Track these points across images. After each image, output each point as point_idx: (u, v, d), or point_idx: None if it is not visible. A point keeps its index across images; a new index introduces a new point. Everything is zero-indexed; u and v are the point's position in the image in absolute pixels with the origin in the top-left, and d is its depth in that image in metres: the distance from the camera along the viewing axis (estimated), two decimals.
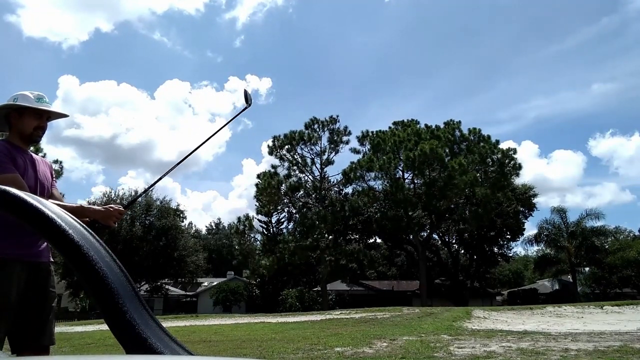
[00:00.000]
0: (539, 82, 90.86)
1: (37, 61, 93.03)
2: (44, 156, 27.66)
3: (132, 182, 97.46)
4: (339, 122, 33.08)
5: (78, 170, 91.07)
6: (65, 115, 2.48)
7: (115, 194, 35.21)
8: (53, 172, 2.52)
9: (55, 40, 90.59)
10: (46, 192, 2.31)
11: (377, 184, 33.06)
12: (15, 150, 2.24)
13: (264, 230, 35.89)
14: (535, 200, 39.47)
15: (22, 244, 2.08)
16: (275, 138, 32.93)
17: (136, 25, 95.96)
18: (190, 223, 58.04)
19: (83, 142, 78.54)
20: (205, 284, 42.09)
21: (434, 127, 32.99)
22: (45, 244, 2.22)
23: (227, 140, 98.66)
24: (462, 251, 42.80)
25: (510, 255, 43.06)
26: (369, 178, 32.50)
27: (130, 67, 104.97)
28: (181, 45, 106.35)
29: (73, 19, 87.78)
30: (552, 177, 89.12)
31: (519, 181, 36.80)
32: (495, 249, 40.93)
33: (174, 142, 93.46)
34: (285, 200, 33.21)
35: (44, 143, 41.04)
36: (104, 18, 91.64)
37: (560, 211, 37.04)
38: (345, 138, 33.12)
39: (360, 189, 33.25)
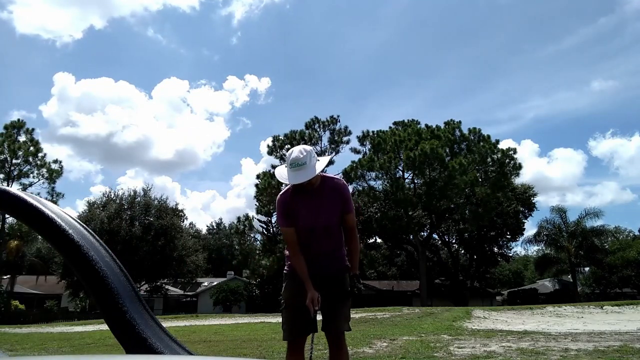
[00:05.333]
0: (537, 82, 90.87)
1: (32, 59, 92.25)
2: (43, 156, 26.65)
3: (130, 181, 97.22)
4: (339, 122, 33.13)
5: (76, 170, 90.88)
6: (313, 177, 2.63)
7: (114, 194, 35.21)
8: (346, 196, 2.80)
9: (49, 38, 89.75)
10: (324, 224, 2.72)
11: (378, 184, 33.12)
12: (296, 194, 2.71)
13: (264, 230, 35.86)
14: (535, 199, 39.50)
15: (313, 266, 2.70)
16: (275, 138, 32.96)
17: (130, 22, 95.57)
18: (191, 223, 58.07)
19: (79, 141, 77.86)
20: (205, 284, 42.05)
21: (434, 127, 33.00)
22: (334, 263, 2.79)
23: (226, 140, 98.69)
24: (462, 251, 42.79)
25: (510, 255, 43.03)
26: (370, 178, 32.57)
27: (126, 64, 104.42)
28: (177, 43, 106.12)
29: (66, 16, 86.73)
30: (552, 176, 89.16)
31: (518, 181, 36.86)
32: (495, 249, 40.89)
33: (171, 141, 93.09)
34: None
35: (42, 143, 40.54)
36: (98, 15, 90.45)
37: (560, 211, 37.04)
38: (345, 138, 33.17)
39: (361, 189, 33.27)
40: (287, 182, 2.63)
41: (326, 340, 2.82)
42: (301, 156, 2.57)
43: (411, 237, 35.22)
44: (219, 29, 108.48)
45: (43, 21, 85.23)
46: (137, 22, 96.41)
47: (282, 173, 2.68)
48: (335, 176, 2.93)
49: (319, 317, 2.73)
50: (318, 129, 32.73)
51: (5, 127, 30.56)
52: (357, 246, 2.87)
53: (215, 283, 39.99)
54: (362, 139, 33.93)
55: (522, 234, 39.01)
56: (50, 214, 1.81)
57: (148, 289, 35.26)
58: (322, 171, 2.71)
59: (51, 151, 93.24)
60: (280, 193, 2.80)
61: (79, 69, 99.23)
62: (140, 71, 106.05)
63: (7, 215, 28.28)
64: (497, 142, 32.54)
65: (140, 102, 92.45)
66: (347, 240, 2.86)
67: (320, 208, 2.71)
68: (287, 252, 2.82)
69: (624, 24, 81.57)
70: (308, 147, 2.68)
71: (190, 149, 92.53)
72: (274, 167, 32.24)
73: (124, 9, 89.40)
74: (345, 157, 63.62)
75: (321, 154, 32.47)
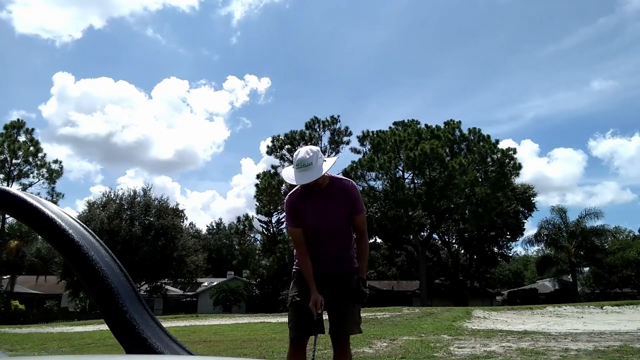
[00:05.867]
0: (537, 82, 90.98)
1: (31, 59, 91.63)
2: (43, 156, 26.55)
3: (130, 182, 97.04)
4: (339, 122, 33.13)
5: (76, 170, 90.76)
6: (319, 177, 2.60)
7: (114, 194, 35.20)
8: (353, 197, 2.75)
9: (49, 38, 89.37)
10: (330, 224, 2.70)
11: (378, 184, 33.11)
12: (303, 195, 2.72)
13: (264, 230, 35.88)
14: (535, 199, 39.53)
15: (318, 265, 2.70)
16: (275, 138, 32.96)
17: (130, 22, 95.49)
18: (191, 223, 58.09)
19: (79, 141, 77.49)
20: (205, 284, 42.06)
21: (434, 127, 32.99)
22: (340, 264, 2.77)
23: (226, 140, 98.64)
24: (462, 251, 42.80)
25: (510, 255, 43.05)
26: (370, 178, 32.56)
27: (126, 64, 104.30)
28: (177, 42, 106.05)
29: (65, 16, 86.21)
30: (553, 176, 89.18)
31: (518, 181, 36.85)
32: (495, 249, 40.91)
33: (171, 141, 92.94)
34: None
35: (42, 143, 40.41)
36: (97, 14, 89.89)
37: (560, 211, 37.05)
38: (345, 138, 33.13)
39: (361, 189, 33.18)
40: (294, 183, 2.63)
41: (330, 341, 2.79)
42: (307, 157, 2.57)
43: (411, 237, 35.21)
44: (219, 29, 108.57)
45: (42, 21, 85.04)
46: (136, 22, 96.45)
47: (289, 174, 2.68)
48: (344, 177, 2.91)
49: (325, 317, 2.70)
50: (318, 129, 32.72)
51: (5, 127, 30.54)
52: (365, 249, 2.83)
53: (215, 283, 40.00)
54: (362, 139, 33.93)
55: (522, 234, 39.08)
56: (50, 214, 1.81)
57: (148, 289, 35.27)
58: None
59: (51, 151, 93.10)
60: (289, 194, 2.81)
61: (78, 68, 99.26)
62: (140, 71, 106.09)
63: (7, 215, 28.27)
64: (497, 142, 32.56)
65: (140, 102, 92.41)
66: (356, 242, 2.84)
67: (326, 209, 2.71)
68: (295, 251, 2.83)
69: (624, 24, 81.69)
70: (314, 148, 2.67)
71: (190, 149, 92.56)
72: (274, 167, 32.24)
73: (123, 9, 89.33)
74: (345, 157, 63.43)
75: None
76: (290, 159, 32.39)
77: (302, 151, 2.62)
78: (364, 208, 2.85)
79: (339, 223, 2.76)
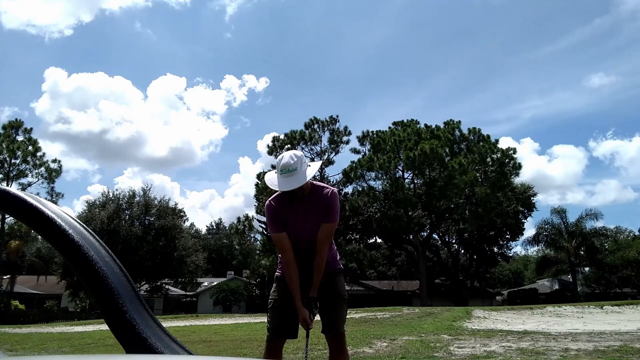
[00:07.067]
0: (534, 83, 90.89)
1: (21, 55, 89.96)
2: (42, 155, 26.51)
3: (129, 181, 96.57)
4: (339, 122, 33.17)
5: (72, 170, 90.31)
6: (304, 183, 2.55)
7: (112, 194, 35.16)
8: (329, 205, 2.65)
9: (38, 33, 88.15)
10: (310, 231, 2.63)
11: (377, 184, 33.14)
12: (284, 202, 2.66)
13: (264, 230, 35.87)
14: (535, 198, 39.54)
15: (303, 270, 2.64)
16: (275, 138, 32.99)
17: (123, 17, 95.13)
18: (192, 224, 58.15)
19: (72, 138, 76.09)
20: (205, 284, 42.06)
21: (433, 126, 33.01)
22: (326, 266, 2.67)
23: (224, 138, 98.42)
24: (462, 251, 42.79)
25: (510, 255, 43.06)
26: (369, 177, 32.59)
27: (120, 61, 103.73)
28: (173, 40, 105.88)
29: (56, 10, 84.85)
30: (553, 175, 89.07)
31: (518, 180, 36.87)
32: (495, 249, 40.91)
33: (167, 139, 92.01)
34: None
35: (40, 143, 40.41)
36: (87, 9, 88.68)
37: (560, 212, 37.07)
38: (345, 138, 33.16)
39: (361, 189, 33.26)
40: (277, 189, 2.56)
41: (326, 341, 2.81)
42: (292, 162, 2.49)
43: (411, 237, 35.21)
44: (218, 27, 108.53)
45: (32, 16, 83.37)
46: (129, 17, 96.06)
47: (272, 179, 2.61)
48: (327, 185, 2.83)
49: (317, 318, 2.71)
50: (318, 129, 32.74)
51: (4, 127, 30.50)
52: (320, 262, 2.62)
53: (215, 283, 40.00)
54: (361, 139, 33.98)
55: (522, 234, 39.07)
56: (50, 214, 1.81)
57: (148, 289, 35.26)
58: (314, 177, 2.65)
59: (44, 148, 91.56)
60: (269, 199, 2.74)
61: (70, 64, 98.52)
62: (136, 68, 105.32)
63: (7, 215, 28.25)
64: (497, 141, 32.63)
65: (135, 98, 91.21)
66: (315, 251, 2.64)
67: (306, 219, 2.65)
68: (280, 256, 2.77)
69: (619, 24, 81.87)
70: (299, 153, 2.60)
71: (188, 148, 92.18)
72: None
73: (116, 2, 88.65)
74: (345, 157, 63.88)
75: (321, 154, 32.49)
76: None
77: (286, 156, 2.53)
78: (337, 219, 2.73)
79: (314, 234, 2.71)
